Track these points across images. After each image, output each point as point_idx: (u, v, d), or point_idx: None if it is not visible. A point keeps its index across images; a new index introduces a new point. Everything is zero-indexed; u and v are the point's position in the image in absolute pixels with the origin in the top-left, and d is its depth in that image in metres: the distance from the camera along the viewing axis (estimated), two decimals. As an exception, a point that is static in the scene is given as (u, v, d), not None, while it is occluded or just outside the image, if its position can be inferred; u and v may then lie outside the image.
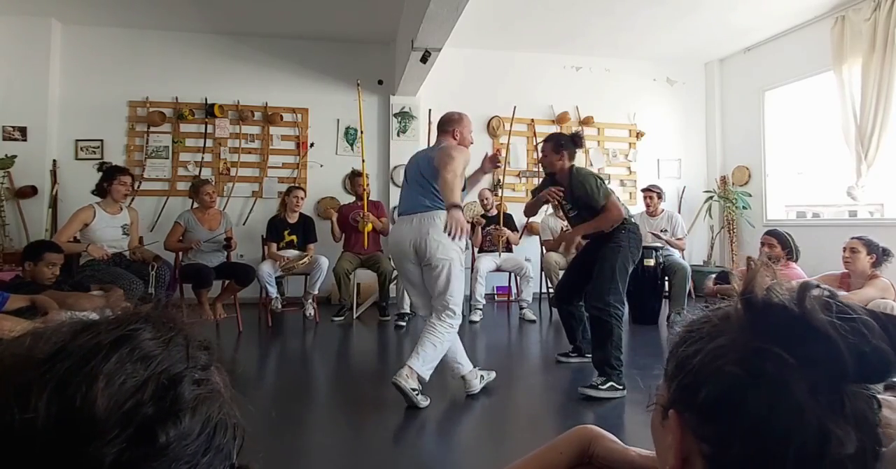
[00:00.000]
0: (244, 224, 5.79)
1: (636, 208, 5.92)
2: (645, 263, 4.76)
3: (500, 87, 6.37)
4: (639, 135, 6.67)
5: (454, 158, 2.75)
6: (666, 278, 4.94)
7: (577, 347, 3.51)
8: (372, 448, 2.30)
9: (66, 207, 5.19)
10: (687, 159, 6.80)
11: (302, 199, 5.02)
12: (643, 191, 5.56)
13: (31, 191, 5.32)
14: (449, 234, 2.60)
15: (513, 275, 5.38)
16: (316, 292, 4.85)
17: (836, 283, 3.68)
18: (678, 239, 5.30)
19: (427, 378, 2.72)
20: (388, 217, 5.52)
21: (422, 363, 2.69)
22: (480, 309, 5.04)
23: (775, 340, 0.45)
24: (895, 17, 4.58)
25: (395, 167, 6.11)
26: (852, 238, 3.56)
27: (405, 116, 6.12)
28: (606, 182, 3.32)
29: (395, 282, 5.06)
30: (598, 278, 3.03)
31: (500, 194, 6.19)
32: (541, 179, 6.29)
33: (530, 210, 3.57)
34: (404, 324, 4.73)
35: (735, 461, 0.45)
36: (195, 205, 4.79)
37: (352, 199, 5.41)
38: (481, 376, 2.94)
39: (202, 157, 5.80)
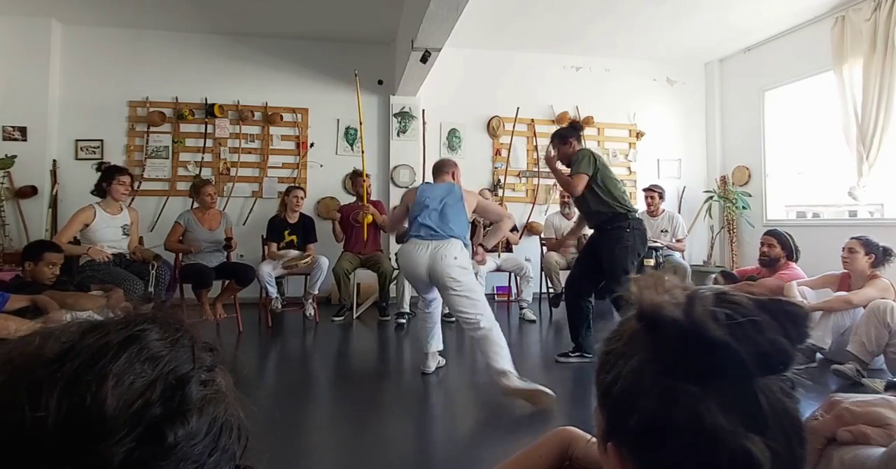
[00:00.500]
0: (244, 224, 5.79)
1: (637, 208, 5.92)
2: (645, 263, 4.76)
3: (500, 87, 6.37)
4: (639, 135, 6.67)
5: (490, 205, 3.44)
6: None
7: (578, 345, 3.53)
8: (372, 448, 2.30)
9: (66, 207, 5.19)
10: (687, 159, 6.80)
11: (301, 198, 5.02)
12: (644, 190, 5.57)
13: (31, 191, 5.32)
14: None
15: (513, 275, 5.38)
16: (316, 292, 4.85)
17: (837, 283, 3.69)
18: (678, 240, 5.31)
19: (512, 368, 2.80)
20: (389, 216, 5.51)
21: (506, 361, 2.82)
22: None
23: (678, 367, 0.45)
24: (895, 18, 4.58)
25: (396, 167, 6.11)
26: (851, 238, 3.56)
27: (405, 116, 6.12)
28: (608, 167, 3.67)
29: (395, 282, 5.06)
30: (612, 279, 3.37)
31: (500, 194, 6.21)
32: (539, 180, 6.35)
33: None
34: (404, 321, 4.74)
35: None
36: (195, 205, 4.79)
37: (352, 199, 5.42)
38: (439, 361, 3.36)
39: (202, 157, 5.80)
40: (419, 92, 5.88)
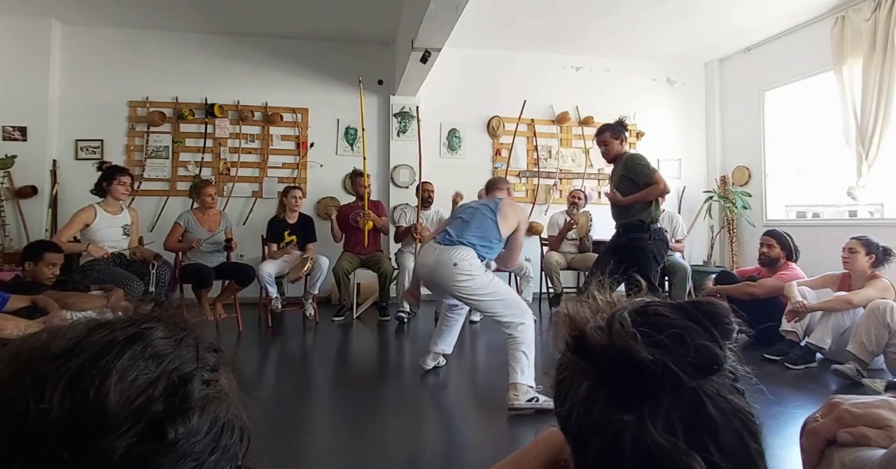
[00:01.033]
0: (244, 224, 5.79)
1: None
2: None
3: (500, 87, 6.37)
4: (639, 135, 6.66)
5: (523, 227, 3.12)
6: (666, 278, 4.94)
7: None
8: (372, 448, 2.30)
9: (66, 207, 5.19)
10: (687, 159, 6.80)
11: (300, 198, 5.01)
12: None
13: (31, 191, 5.32)
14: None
15: (513, 275, 5.38)
16: (316, 292, 4.85)
17: (837, 283, 3.69)
18: (678, 241, 5.30)
19: (533, 381, 2.66)
20: (389, 217, 5.52)
21: (521, 374, 2.67)
22: (481, 309, 5.06)
23: (619, 392, 0.46)
24: (895, 17, 4.58)
25: (395, 167, 6.11)
26: (851, 238, 3.56)
27: (405, 116, 6.12)
28: (607, 183, 3.68)
29: (395, 282, 5.06)
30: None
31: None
32: (539, 180, 6.36)
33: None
34: (404, 314, 4.74)
35: None
36: (195, 205, 4.79)
37: (352, 198, 5.42)
38: (439, 361, 3.34)
39: (202, 157, 5.80)
40: (419, 92, 5.88)
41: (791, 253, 4.02)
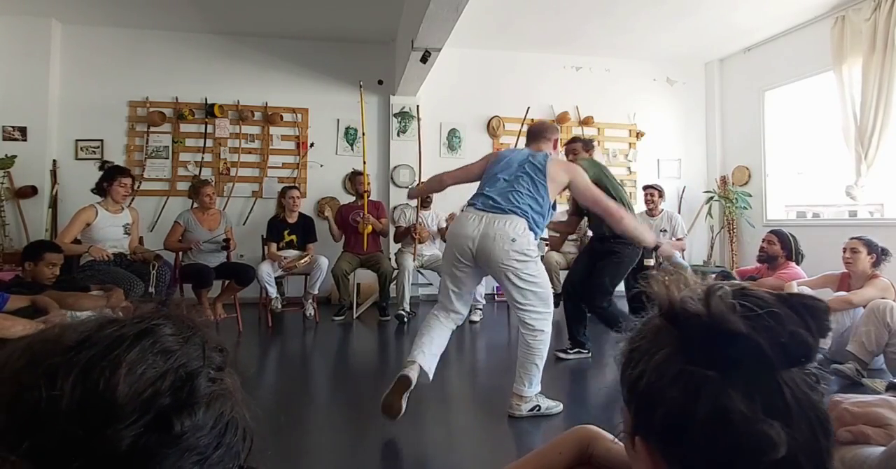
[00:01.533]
0: (244, 224, 5.79)
1: (636, 208, 5.91)
2: (645, 263, 4.75)
3: (500, 87, 6.37)
4: (639, 135, 6.67)
5: (589, 183, 2.66)
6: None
7: (577, 342, 3.56)
8: (372, 448, 2.30)
9: (66, 207, 5.19)
10: (687, 159, 6.80)
11: (298, 198, 4.99)
12: (644, 188, 5.56)
13: (31, 191, 5.32)
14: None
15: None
16: (316, 292, 4.85)
17: (836, 283, 3.68)
18: (678, 240, 5.30)
19: (539, 387, 2.55)
20: (388, 217, 5.52)
21: (528, 387, 2.51)
22: (480, 309, 5.05)
23: (701, 358, 0.47)
24: (895, 17, 4.58)
25: (395, 167, 6.11)
26: (852, 238, 3.55)
27: (405, 116, 6.12)
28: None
29: (394, 282, 5.06)
30: (595, 283, 3.45)
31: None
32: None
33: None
34: (404, 313, 4.74)
35: None
36: (195, 205, 4.79)
37: (352, 198, 5.42)
38: (421, 372, 2.54)
39: (202, 157, 5.80)
40: (419, 92, 5.88)
41: (792, 253, 4.01)
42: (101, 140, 5.64)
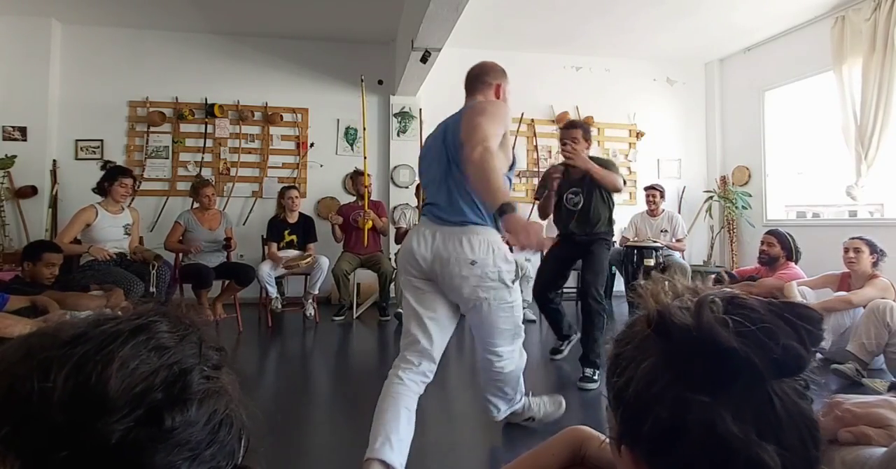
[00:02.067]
0: (244, 224, 5.79)
1: (637, 208, 5.92)
2: (645, 263, 4.77)
3: (500, 87, 6.35)
4: (639, 135, 6.67)
5: (487, 120, 1.75)
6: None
7: (563, 336, 3.59)
8: (372, 448, 2.30)
9: (66, 207, 5.19)
10: (687, 159, 6.80)
11: (296, 198, 4.98)
12: (646, 189, 5.57)
13: (31, 191, 5.31)
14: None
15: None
16: (316, 292, 4.84)
17: (836, 283, 3.68)
18: (678, 240, 5.30)
19: (527, 407, 2.24)
20: (388, 217, 5.52)
21: (501, 410, 2.11)
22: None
23: (690, 373, 0.45)
24: (895, 17, 4.58)
25: (395, 167, 6.11)
26: (854, 238, 3.55)
27: (405, 116, 6.12)
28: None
29: (394, 282, 5.06)
30: (594, 272, 3.15)
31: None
32: (539, 180, 6.34)
33: (545, 210, 3.47)
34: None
35: None
36: (195, 205, 4.79)
37: (352, 198, 5.42)
38: None
39: (202, 157, 5.80)
40: (419, 92, 5.88)
41: (791, 253, 4.01)
42: (101, 140, 5.64)
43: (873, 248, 3.47)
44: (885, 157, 4.78)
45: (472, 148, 1.65)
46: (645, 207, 5.57)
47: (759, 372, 0.44)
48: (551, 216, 3.43)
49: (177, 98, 5.79)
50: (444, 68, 5.52)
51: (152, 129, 5.71)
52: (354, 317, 5.00)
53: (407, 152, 6.04)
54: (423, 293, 1.91)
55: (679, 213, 6.13)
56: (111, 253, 3.74)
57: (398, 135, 6.13)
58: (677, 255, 5.23)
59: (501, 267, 1.81)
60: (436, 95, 6.09)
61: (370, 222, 4.88)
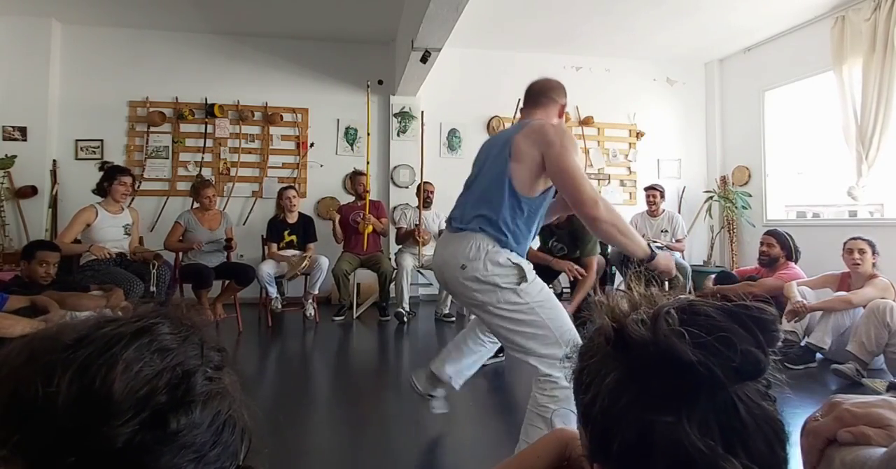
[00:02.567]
0: (244, 224, 5.79)
1: (637, 208, 5.91)
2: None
3: (500, 87, 6.35)
4: (639, 135, 6.67)
5: (568, 150, 1.69)
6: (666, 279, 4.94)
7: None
8: (372, 448, 2.30)
9: (66, 207, 5.19)
10: (687, 159, 6.80)
11: (294, 198, 4.96)
12: (646, 189, 5.57)
13: (31, 191, 5.32)
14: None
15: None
16: (316, 292, 4.84)
17: (836, 283, 3.69)
18: (678, 240, 5.31)
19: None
20: (388, 217, 5.52)
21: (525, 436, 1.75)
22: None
23: (652, 387, 0.45)
24: (895, 17, 4.58)
25: (395, 167, 6.11)
26: (856, 239, 3.54)
27: (405, 116, 6.12)
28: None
29: (394, 282, 5.06)
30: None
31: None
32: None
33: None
34: (404, 312, 4.74)
35: None
36: (195, 205, 4.79)
37: (352, 198, 5.42)
38: (437, 393, 2.33)
39: (202, 157, 5.80)
40: (419, 92, 5.88)
41: (791, 253, 4.02)
42: (101, 140, 5.64)
43: (874, 248, 3.48)
44: (886, 157, 4.78)
45: (596, 208, 1.63)
46: (645, 207, 5.57)
47: (720, 381, 0.44)
48: None
49: (177, 98, 5.79)
50: (444, 68, 5.53)
51: (152, 129, 5.71)
52: (354, 317, 5.00)
53: (407, 152, 6.04)
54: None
55: (679, 213, 6.13)
56: (111, 252, 3.74)
57: (398, 135, 6.13)
58: (677, 255, 5.23)
59: (490, 269, 1.74)
60: (436, 95, 6.11)
61: (370, 227, 4.89)
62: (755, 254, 4.32)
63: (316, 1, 5.08)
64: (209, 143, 5.83)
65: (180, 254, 4.48)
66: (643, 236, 5.23)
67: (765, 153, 6.15)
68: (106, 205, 3.94)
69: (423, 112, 5.88)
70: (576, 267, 3.56)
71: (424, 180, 5.28)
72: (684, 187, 6.67)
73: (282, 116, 5.96)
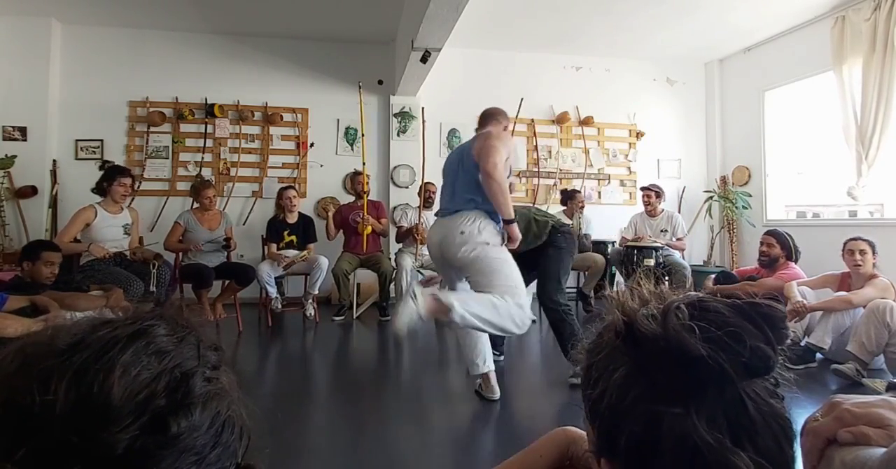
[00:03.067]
0: (244, 224, 5.79)
1: (637, 208, 5.92)
2: (645, 263, 4.77)
3: (500, 87, 6.36)
4: (639, 135, 6.67)
5: (496, 148, 2.52)
6: (666, 279, 4.95)
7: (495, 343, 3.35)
8: (372, 448, 2.30)
9: (66, 207, 5.19)
10: (687, 159, 6.80)
11: (294, 198, 4.96)
12: (642, 189, 5.58)
13: (31, 191, 5.31)
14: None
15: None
16: (316, 292, 4.84)
17: (836, 283, 3.68)
18: (678, 239, 5.31)
19: (455, 312, 2.30)
20: (389, 217, 5.53)
21: (461, 304, 2.29)
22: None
23: (661, 381, 0.45)
24: (895, 17, 4.58)
25: (395, 167, 6.11)
26: (856, 240, 3.53)
27: (405, 116, 6.12)
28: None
29: (394, 282, 5.06)
30: (546, 278, 3.17)
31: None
32: (539, 180, 6.36)
33: None
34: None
35: None
36: (195, 205, 4.79)
37: (352, 198, 5.42)
38: (480, 385, 2.80)
39: (202, 157, 5.80)
40: (419, 92, 5.88)
41: (791, 252, 4.01)
42: (101, 140, 5.64)
43: (875, 249, 3.48)
44: (886, 157, 4.78)
45: (490, 165, 2.47)
46: (643, 208, 5.58)
47: (729, 376, 0.44)
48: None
49: (177, 98, 5.79)
50: (444, 68, 5.53)
51: (152, 129, 5.71)
52: (354, 317, 5.00)
53: (407, 152, 6.04)
54: (453, 271, 2.74)
55: (679, 213, 6.13)
56: (110, 251, 3.74)
57: (398, 135, 6.13)
58: (677, 254, 5.23)
59: (482, 231, 2.55)
60: (436, 95, 6.11)
61: (369, 228, 4.89)
62: (755, 254, 4.32)
63: (316, 1, 5.08)
64: (209, 143, 5.83)
65: (180, 254, 4.48)
66: (643, 237, 5.27)
67: (765, 153, 6.15)
68: (105, 205, 3.94)
69: (423, 109, 5.86)
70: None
71: (426, 180, 5.28)
72: (684, 187, 6.67)
73: (282, 116, 5.96)
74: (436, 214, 2.81)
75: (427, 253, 5.11)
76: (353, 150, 6.07)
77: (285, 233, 4.95)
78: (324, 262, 4.79)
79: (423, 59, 4.52)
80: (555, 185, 6.45)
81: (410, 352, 3.97)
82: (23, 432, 0.38)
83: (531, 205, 4.30)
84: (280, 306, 4.84)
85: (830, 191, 5.76)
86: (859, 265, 3.48)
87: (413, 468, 2.19)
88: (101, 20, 5.54)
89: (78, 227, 3.79)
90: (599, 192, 6.53)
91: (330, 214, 5.14)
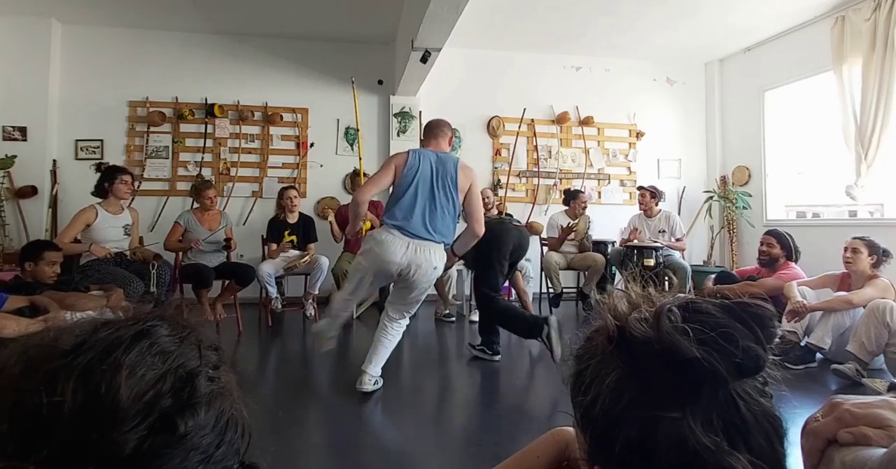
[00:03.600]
0: (244, 224, 5.79)
1: (636, 208, 5.92)
2: (645, 263, 4.77)
3: (500, 87, 6.37)
4: (639, 135, 6.67)
5: (482, 204, 3.02)
6: (666, 278, 4.94)
7: (488, 341, 3.64)
8: (372, 448, 2.31)
9: (66, 207, 5.19)
10: (687, 159, 6.80)
11: (295, 198, 4.96)
12: (637, 189, 5.59)
13: (31, 191, 5.31)
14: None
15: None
16: (316, 292, 4.84)
17: (836, 283, 3.68)
18: (677, 239, 5.31)
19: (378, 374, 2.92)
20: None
21: (375, 366, 2.88)
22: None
23: (655, 385, 0.45)
24: (895, 17, 4.58)
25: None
26: (854, 238, 3.55)
27: (405, 116, 6.12)
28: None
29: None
30: (477, 274, 3.78)
31: (500, 194, 6.21)
32: (539, 180, 6.36)
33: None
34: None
35: None
36: (195, 205, 4.79)
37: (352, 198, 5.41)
38: (375, 382, 2.91)
39: (202, 157, 5.80)
40: (419, 92, 5.88)
41: (791, 252, 4.02)
42: (101, 140, 5.64)
43: (873, 249, 3.47)
44: (885, 157, 4.78)
45: (479, 224, 2.87)
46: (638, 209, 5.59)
47: (722, 377, 0.44)
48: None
49: (177, 98, 5.80)
50: (444, 68, 5.53)
51: (152, 129, 5.71)
52: (354, 317, 5.00)
53: (407, 152, 6.03)
54: (372, 285, 2.98)
55: (679, 213, 6.14)
56: (111, 251, 3.74)
57: (398, 135, 6.13)
58: (677, 254, 5.23)
59: (441, 265, 2.82)
60: (436, 95, 6.11)
61: (368, 224, 4.89)
62: (755, 254, 4.32)
63: (316, 1, 5.08)
64: (209, 143, 5.83)
65: (180, 254, 4.48)
66: (637, 235, 5.28)
67: (765, 153, 6.15)
68: (106, 205, 3.94)
69: (420, 112, 5.87)
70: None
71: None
72: (684, 187, 6.67)
73: (282, 116, 5.96)
74: (397, 227, 2.72)
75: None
76: (353, 150, 6.07)
77: (286, 233, 4.94)
78: (324, 262, 4.79)
79: (423, 59, 4.52)
80: (555, 185, 6.45)
81: (410, 352, 3.97)
82: (35, 434, 0.38)
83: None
84: (280, 306, 4.84)
85: (830, 191, 5.76)
86: (850, 263, 3.49)
87: (412, 468, 2.19)
88: (100, 20, 5.54)
89: (78, 228, 3.79)
90: (599, 193, 6.53)
91: (331, 218, 5.11)
